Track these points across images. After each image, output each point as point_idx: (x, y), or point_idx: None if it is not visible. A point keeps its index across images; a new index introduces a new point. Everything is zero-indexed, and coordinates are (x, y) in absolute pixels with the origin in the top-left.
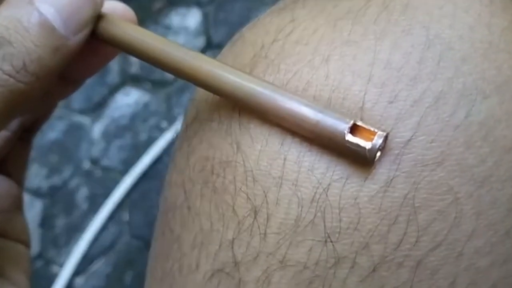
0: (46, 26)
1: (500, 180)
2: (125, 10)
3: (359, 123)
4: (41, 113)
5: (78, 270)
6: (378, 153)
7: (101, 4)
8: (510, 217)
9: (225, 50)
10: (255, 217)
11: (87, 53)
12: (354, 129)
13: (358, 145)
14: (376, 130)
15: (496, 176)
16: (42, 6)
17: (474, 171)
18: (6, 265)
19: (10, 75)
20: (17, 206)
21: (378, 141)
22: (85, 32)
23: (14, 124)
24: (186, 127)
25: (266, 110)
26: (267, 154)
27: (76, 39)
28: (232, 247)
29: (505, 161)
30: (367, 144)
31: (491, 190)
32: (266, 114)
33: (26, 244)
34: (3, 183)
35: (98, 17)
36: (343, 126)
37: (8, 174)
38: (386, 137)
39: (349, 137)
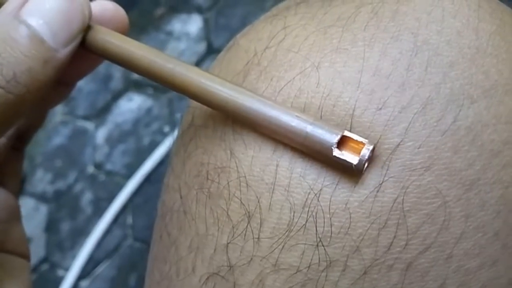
0: (35, 38)
1: (488, 183)
2: (116, 10)
3: (347, 134)
4: (34, 121)
5: (83, 274)
6: (366, 164)
7: (90, 16)
8: (498, 219)
9: (220, 56)
10: (248, 222)
11: (77, 58)
12: (342, 140)
13: (345, 161)
14: (363, 141)
15: (484, 179)
16: (31, 18)
17: (462, 174)
18: (6, 279)
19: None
20: (15, 217)
21: (364, 155)
22: (74, 44)
23: (10, 130)
24: (182, 132)
25: (256, 124)
26: (260, 160)
27: (66, 51)
28: (227, 251)
29: (493, 164)
30: (354, 160)
31: (479, 193)
32: (256, 128)
33: (25, 256)
34: (0, 195)
35: (88, 28)
36: (331, 141)
37: (2, 185)
38: (373, 149)
39: (336, 153)
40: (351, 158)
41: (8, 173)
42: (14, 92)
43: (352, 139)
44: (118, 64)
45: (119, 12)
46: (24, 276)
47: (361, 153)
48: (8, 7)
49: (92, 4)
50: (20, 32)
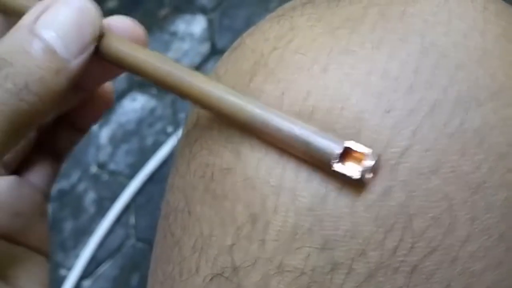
0: (48, 50)
1: (494, 186)
2: (133, 26)
3: (349, 145)
4: (75, 135)
5: (86, 273)
6: (371, 174)
7: (100, 26)
8: (504, 221)
9: (225, 55)
10: (253, 224)
11: (99, 67)
12: (346, 150)
13: (345, 175)
14: (366, 152)
15: (490, 182)
16: (44, 31)
17: (468, 177)
18: (21, 275)
19: (12, 93)
20: (38, 213)
21: (366, 168)
22: (86, 54)
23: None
24: (187, 132)
25: (259, 133)
26: (266, 163)
27: (78, 62)
28: (231, 252)
29: (499, 167)
30: (355, 174)
31: (485, 195)
32: (259, 136)
33: (45, 254)
34: (25, 188)
35: (101, 37)
36: (332, 154)
37: (31, 181)
38: (378, 159)
39: (337, 167)
40: (353, 170)
41: (40, 174)
42: (26, 100)
43: (355, 151)
44: (131, 72)
45: (137, 29)
46: (42, 274)
47: (364, 166)
48: (25, 20)
49: (111, 20)
50: (33, 45)
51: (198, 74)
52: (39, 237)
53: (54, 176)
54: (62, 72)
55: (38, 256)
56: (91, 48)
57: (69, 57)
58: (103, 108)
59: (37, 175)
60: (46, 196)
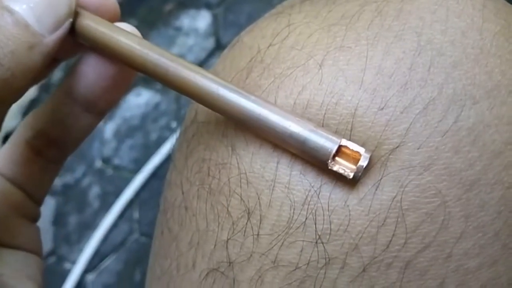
0: (19, 23)
1: (489, 184)
2: None
3: (344, 143)
4: (76, 135)
5: (90, 267)
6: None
7: (75, 2)
8: (499, 219)
9: (224, 53)
10: (248, 219)
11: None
12: (340, 147)
13: (340, 174)
14: (360, 152)
15: (484, 180)
16: (13, 4)
17: (462, 175)
18: (7, 273)
19: None
20: (18, 213)
21: (361, 167)
22: (62, 31)
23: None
24: (185, 128)
25: (254, 129)
26: (260, 157)
27: (53, 38)
28: (227, 247)
29: (494, 165)
30: (349, 173)
31: (480, 193)
32: (254, 133)
33: (34, 252)
34: None
35: (76, 15)
36: (327, 152)
37: (19, 184)
38: (370, 157)
39: (332, 166)
40: (348, 169)
41: (29, 176)
42: None
43: (349, 148)
44: (109, 56)
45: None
46: (32, 271)
47: (358, 165)
48: None
49: None
50: (3, 18)
51: (187, 64)
52: (24, 237)
53: (47, 182)
54: (36, 48)
55: (25, 254)
56: (67, 24)
57: (43, 32)
58: (125, 88)
59: (25, 178)
60: (33, 197)
